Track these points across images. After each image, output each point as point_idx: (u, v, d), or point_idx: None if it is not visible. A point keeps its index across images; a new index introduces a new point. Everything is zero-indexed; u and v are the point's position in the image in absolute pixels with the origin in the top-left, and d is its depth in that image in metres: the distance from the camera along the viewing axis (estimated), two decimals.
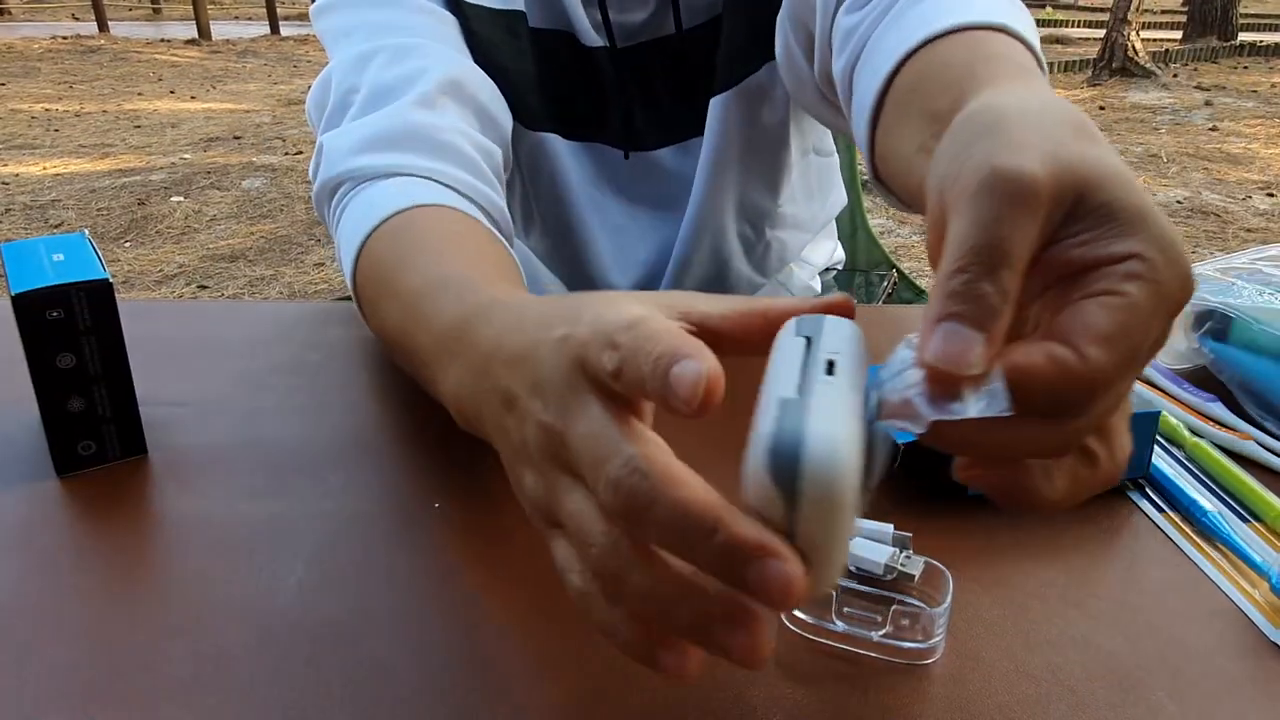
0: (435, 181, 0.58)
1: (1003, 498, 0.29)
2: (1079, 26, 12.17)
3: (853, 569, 0.41)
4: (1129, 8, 7.14)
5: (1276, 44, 8.57)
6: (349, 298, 0.63)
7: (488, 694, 0.35)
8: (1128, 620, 0.40)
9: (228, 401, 0.57)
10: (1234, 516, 0.47)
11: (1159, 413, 0.49)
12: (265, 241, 3.50)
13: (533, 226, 0.84)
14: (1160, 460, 0.51)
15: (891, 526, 0.42)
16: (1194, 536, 0.45)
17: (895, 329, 0.69)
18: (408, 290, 0.47)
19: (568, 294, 0.64)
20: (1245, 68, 7.94)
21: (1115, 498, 0.48)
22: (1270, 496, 0.47)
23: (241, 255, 3.36)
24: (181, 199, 3.97)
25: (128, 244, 3.47)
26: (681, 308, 0.31)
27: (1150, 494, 0.49)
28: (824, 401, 0.26)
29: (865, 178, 0.79)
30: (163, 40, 9.99)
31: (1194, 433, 0.53)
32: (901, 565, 0.40)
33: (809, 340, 0.29)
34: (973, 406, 0.25)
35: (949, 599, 0.37)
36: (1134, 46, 7.23)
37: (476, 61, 0.68)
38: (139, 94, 6.65)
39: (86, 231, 0.53)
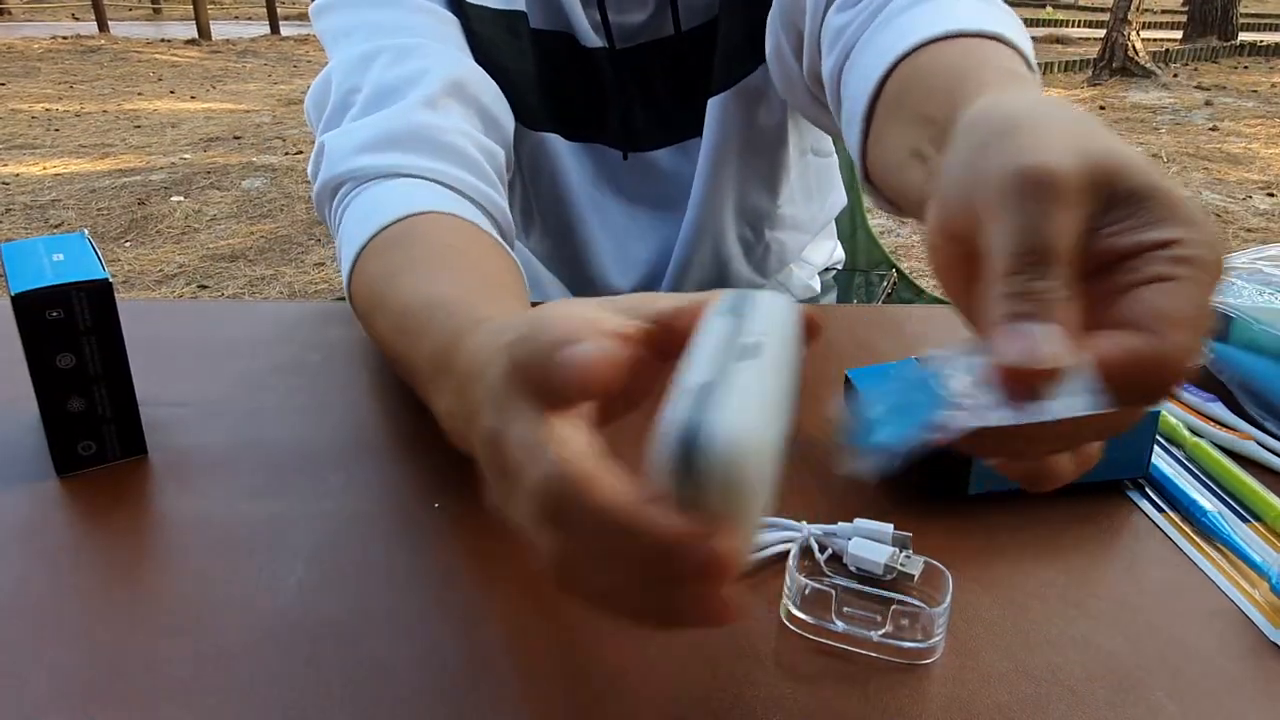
0: (437, 183, 0.58)
1: (1029, 482, 0.30)
2: (1079, 26, 12.17)
3: (853, 569, 0.41)
4: (1129, 8, 7.13)
5: (1277, 44, 8.57)
6: None
7: (488, 694, 0.35)
8: (1128, 620, 0.40)
9: (228, 401, 0.57)
10: (1234, 516, 0.47)
11: (1159, 412, 0.49)
12: (265, 241, 3.50)
13: (533, 227, 0.84)
14: (1160, 460, 0.51)
15: (891, 526, 0.42)
16: (1194, 536, 0.45)
17: (895, 329, 0.69)
18: (399, 309, 0.47)
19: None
20: (1245, 68, 7.94)
21: (1115, 498, 0.48)
22: (1270, 496, 0.47)
23: (241, 255, 3.36)
24: (181, 199, 3.97)
25: (128, 244, 3.47)
26: (640, 308, 0.31)
27: (1150, 494, 0.49)
28: (737, 387, 0.25)
29: None
30: (163, 40, 9.99)
31: (1194, 432, 0.53)
32: (901, 565, 0.41)
33: (737, 319, 0.28)
34: (1065, 405, 0.25)
35: (949, 599, 0.37)
36: (1134, 46, 7.22)
37: (477, 61, 0.68)
38: (139, 94, 6.65)
39: (86, 231, 0.53)
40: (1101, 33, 8.00)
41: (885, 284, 1.11)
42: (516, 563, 0.42)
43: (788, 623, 0.39)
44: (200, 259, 3.32)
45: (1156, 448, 0.51)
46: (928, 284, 1.11)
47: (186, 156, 4.70)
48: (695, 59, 0.74)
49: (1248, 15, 11.13)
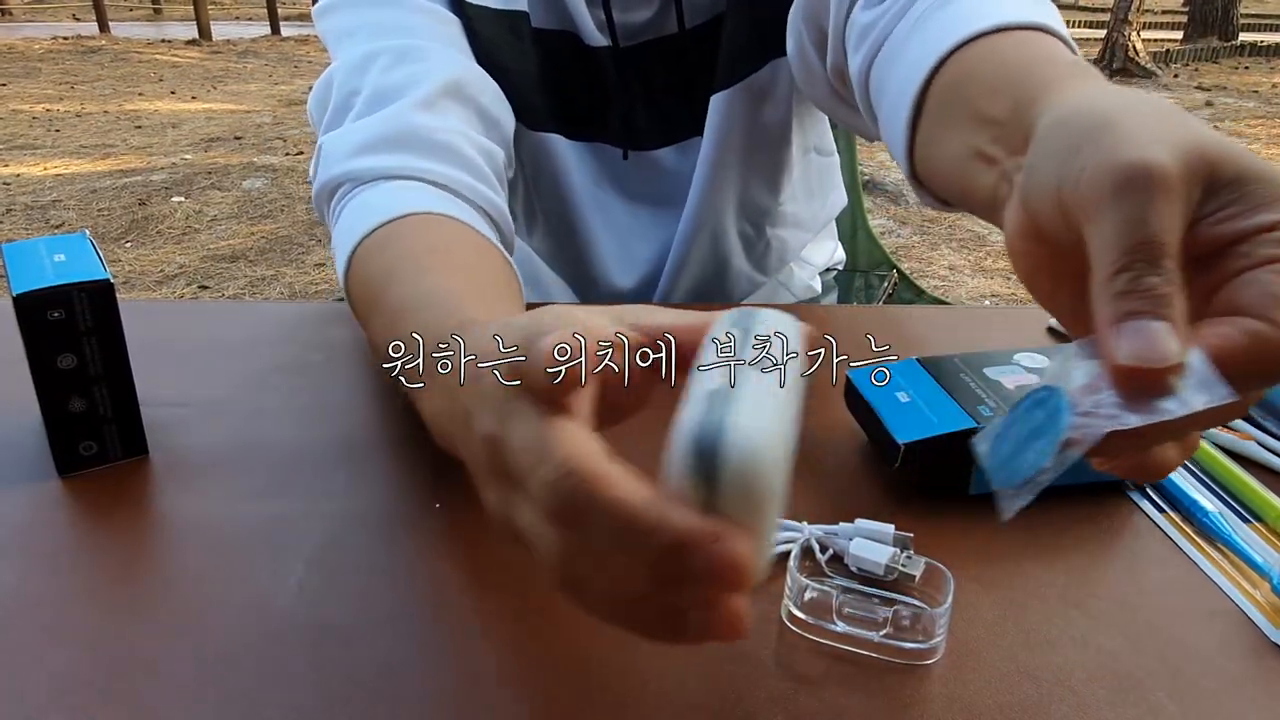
0: (433, 184, 0.58)
1: (1139, 474, 0.30)
2: (1079, 26, 12.16)
3: (854, 570, 0.41)
4: (1130, 8, 7.14)
5: (1277, 44, 8.57)
6: None
7: (488, 694, 0.36)
8: (1128, 620, 0.40)
9: (229, 402, 0.57)
10: (1235, 517, 0.47)
11: None
12: (266, 242, 3.50)
13: (535, 226, 0.84)
14: None
15: (892, 527, 0.42)
16: (1194, 536, 0.45)
17: (895, 329, 0.69)
18: (389, 308, 0.47)
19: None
20: (1246, 68, 7.94)
21: (1116, 498, 0.48)
22: (1271, 496, 0.47)
23: (242, 255, 3.36)
24: (182, 199, 3.97)
25: (128, 244, 3.47)
26: (641, 320, 0.31)
27: (1150, 494, 0.49)
28: (751, 394, 0.26)
29: (866, 178, 0.79)
30: (163, 40, 9.99)
31: None
32: (902, 565, 0.41)
33: (744, 333, 0.29)
34: (1194, 400, 0.25)
35: (950, 599, 0.37)
36: (1135, 47, 7.23)
37: (479, 62, 0.68)
38: (140, 94, 6.65)
39: (87, 232, 0.53)
40: (1102, 33, 8.00)
41: (886, 285, 1.11)
42: (518, 563, 0.42)
43: (789, 623, 0.39)
44: (201, 259, 3.32)
45: None
46: (928, 284, 1.11)
47: (187, 157, 4.70)
48: (698, 56, 0.74)
49: (1248, 15, 11.13)
